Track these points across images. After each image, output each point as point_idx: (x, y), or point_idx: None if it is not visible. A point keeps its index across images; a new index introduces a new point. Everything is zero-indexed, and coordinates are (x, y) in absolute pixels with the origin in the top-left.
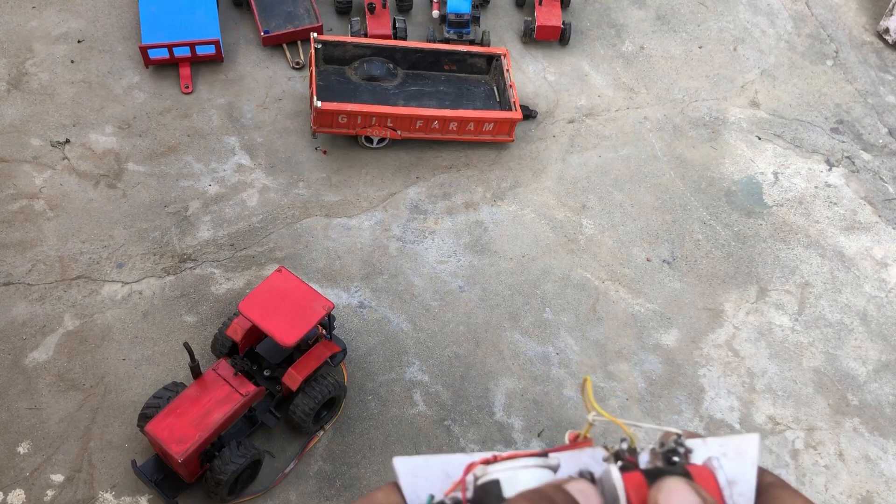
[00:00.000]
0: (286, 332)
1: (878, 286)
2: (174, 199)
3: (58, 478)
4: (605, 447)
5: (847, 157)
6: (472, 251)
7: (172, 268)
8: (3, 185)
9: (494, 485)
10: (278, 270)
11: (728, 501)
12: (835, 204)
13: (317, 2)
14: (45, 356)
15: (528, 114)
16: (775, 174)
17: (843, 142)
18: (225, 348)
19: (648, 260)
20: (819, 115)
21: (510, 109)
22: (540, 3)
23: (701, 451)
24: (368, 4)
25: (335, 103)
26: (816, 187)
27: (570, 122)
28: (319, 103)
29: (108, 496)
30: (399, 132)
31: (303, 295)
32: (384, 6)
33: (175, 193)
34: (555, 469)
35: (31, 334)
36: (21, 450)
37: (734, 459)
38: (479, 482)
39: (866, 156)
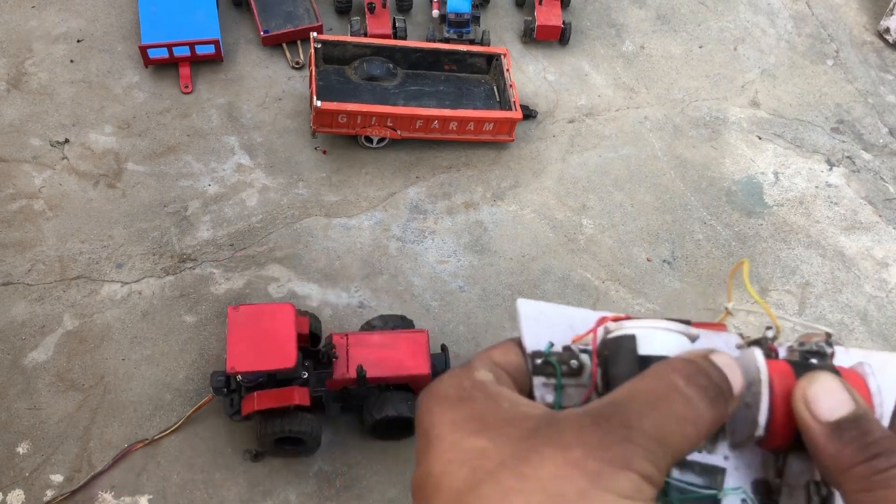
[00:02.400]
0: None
1: (879, 286)
2: (174, 199)
3: (57, 478)
4: (741, 335)
5: (847, 157)
6: (472, 251)
7: (172, 268)
8: (3, 185)
9: (629, 339)
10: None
11: (877, 409)
12: (835, 204)
13: (317, 1)
14: (45, 356)
15: (528, 114)
16: (776, 174)
17: (844, 142)
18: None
19: (648, 260)
20: (819, 115)
21: (510, 109)
22: (540, 3)
23: (843, 358)
24: (368, 4)
25: (335, 103)
26: (817, 187)
27: (570, 121)
28: (319, 103)
29: (108, 496)
30: (399, 132)
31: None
32: (384, 6)
33: (175, 193)
34: (693, 339)
35: (30, 334)
36: (20, 450)
37: (877, 373)
38: (611, 336)
39: (867, 155)
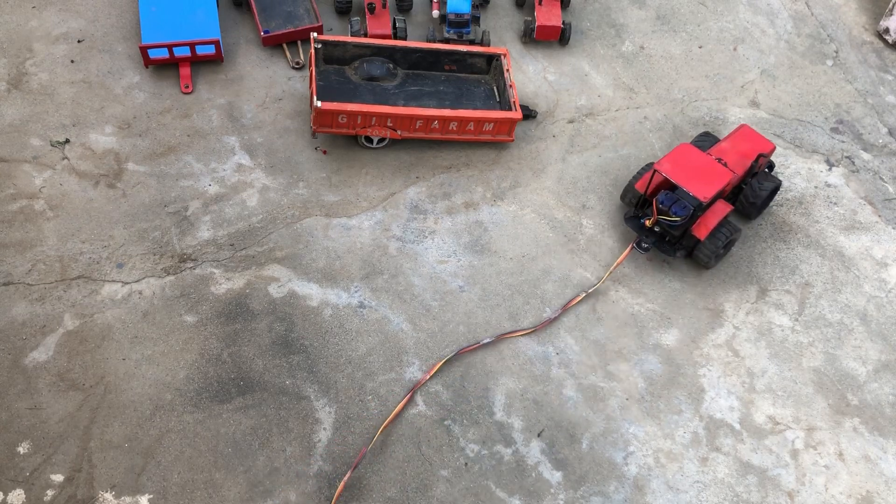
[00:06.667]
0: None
1: (878, 286)
2: (174, 199)
3: (58, 478)
4: None
5: (847, 157)
6: (472, 251)
7: (172, 268)
8: (3, 185)
9: None
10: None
11: None
12: (835, 204)
13: (317, 2)
14: (45, 356)
15: (528, 114)
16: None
17: (843, 142)
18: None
19: (649, 260)
20: (819, 115)
21: (510, 109)
22: (540, 3)
23: None
24: (368, 4)
25: (335, 103)
26: (816, 187)
27: (570, 121)
28: (319, 103)
29: (108, 496)
30: (399, 132)
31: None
32: (384, 6)
33: (175, 193)
34: None
35: (31, 334)
36: (21, 450)
37: None
38: None
39: (866, 156)
